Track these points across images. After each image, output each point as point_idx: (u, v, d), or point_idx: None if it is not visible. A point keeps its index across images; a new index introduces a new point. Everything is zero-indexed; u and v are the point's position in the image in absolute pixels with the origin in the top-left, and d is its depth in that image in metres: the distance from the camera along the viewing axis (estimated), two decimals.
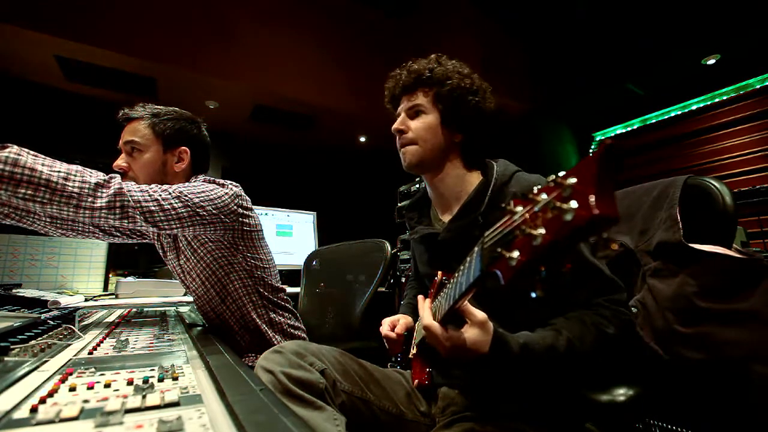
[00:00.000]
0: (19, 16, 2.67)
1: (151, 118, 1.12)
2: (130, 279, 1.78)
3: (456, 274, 0.56)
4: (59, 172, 0.79)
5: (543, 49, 4.44)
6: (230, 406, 0.35)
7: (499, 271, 0.38)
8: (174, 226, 0.94)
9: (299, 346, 0.77)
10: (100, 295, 1.65)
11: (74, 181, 0.80)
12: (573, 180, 0.31)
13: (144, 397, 0.36)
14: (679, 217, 0.80)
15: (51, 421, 0.32)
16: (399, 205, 3.39)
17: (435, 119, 0.87)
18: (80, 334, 0.72)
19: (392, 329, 0.93)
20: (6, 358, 0.51)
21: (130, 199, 0.85)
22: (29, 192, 0.76)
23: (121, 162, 1.10)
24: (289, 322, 1.26)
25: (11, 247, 1.70)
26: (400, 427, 0.81)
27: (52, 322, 0.80)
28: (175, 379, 0.44)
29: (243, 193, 1.14)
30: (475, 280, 0.46)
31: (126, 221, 0.86)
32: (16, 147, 0.78)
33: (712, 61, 3.67)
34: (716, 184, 0.81)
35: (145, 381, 0.42)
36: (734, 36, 3.35)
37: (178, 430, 0.30)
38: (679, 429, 0.77)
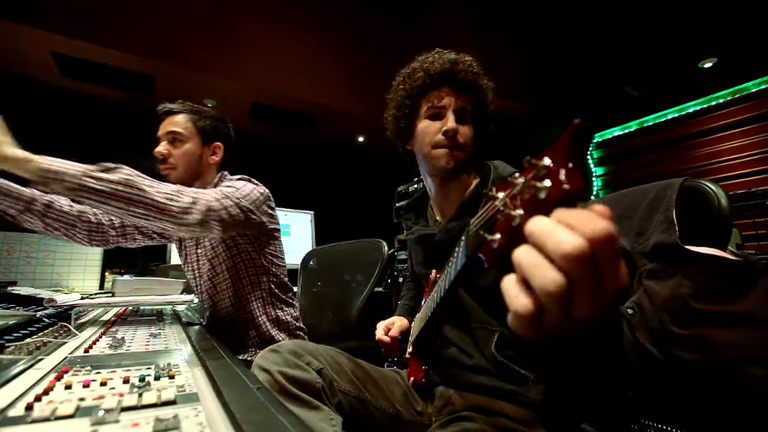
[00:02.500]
0: (15, 12, 2.65)
1: (192, 113, 1.22)
2: (126, 277, 1.77)
3: (446, 268, 0.56)
4: (164, 193, 0.89)
5: (540, 51, 4.46)
6: (227, 405, 0.35)
7: (483, 255, 0.39)
8: (235, 231, 1.05)
9: (296, 346, 0.77)
10: (96, 294, 1.64)
11: (175, 201, 0.90)
12: (547, 161, 0.32)
13: (140, 395, 0.36)
14: (675, 219, 0.81)
15: (46, 419, 0.31)
16: (397, 205, 3.39)
17: (474, 129, 0.86)
18: (76, 332, 0.71)
19: (386, 333, 0.93)
20: (1, 356, 0.51)
21: (212, 214, 0.96)
22: (140, 210, 0.85)
23: (162, 149, 1.16)
24: (295, 322, 1.30)
25: (6, 245, 1.69)
26: (396, 426, 0.82)
27: (47, 320, 0.79)
28: (172, 377, 0.44)
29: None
30: (462, 267, 0.47)
31: (206, 232, 0.97)
32: (127, 168, 0.87)
33: (708, 65, 3.69)
34: (712, 186, 0.82)
35: (142, 379, 0.42)
36: (731, 39, 3.37)
37: (174, 428, 0.30)
38: (674, 430, 0.77)
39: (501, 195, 0.37)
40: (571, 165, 0.30)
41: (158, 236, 1.31)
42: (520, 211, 0.33)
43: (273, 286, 1.25)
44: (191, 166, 1.19)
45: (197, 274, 1.26)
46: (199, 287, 1.26)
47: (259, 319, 1.19)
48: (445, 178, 0.88)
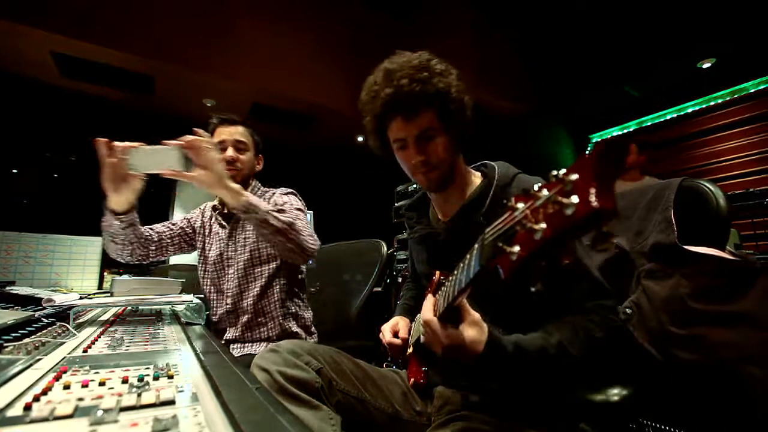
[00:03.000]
0: (15, 12, 2.65)
1: (248, 127, 1.39)
2: (125, 277, 1.76)
3: (455, 272, 0.56)
4: (308, 235, 1.17)
5: (540, 51, 4.46)
6: (226, 405, 0.35)
7: (499, 266, 0.39)
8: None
9: (295, 345, 0.77)
10: (95, 293, 1.64)
11: (311, 244, 1.17)
12: (574, 176, 0.31)
13: (139, 395, 0.36)
14: (673, 219, 0.81)
15: (45, 419, 0.31)
16: (396, 204, 3.39)
17: (446, 138, 0.79)
18: (75, 332, 0.71)
19: (394, 335, 0.92)
20: None
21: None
22: (291, 246, 1.12)
23: (232, 153, 1.32)
24: (310, 320, 1.41)
25: (5, 245, 1.68)
26: (395, 426, 0.82)
27: (46, 320, 0.79)
28: (171, 377, 0.44)
29: None
30: (475, 275, 0.46)
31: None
32: (289, 211, 1.17)
33: (707, 65, 3.70)
34: (710, 186, 0.82)
35: (141, 379, 0.42)
36: (730, 40, 3.38)
37: (173, 428, 0.30)
38: (672, 429, 0.77)
39: (521, 206, 0.36)
40: (601, 182, 0.29)
41: (187, 247, 1.43)
42: (543, 225, 0.33)
43: (296, 284, 1.38)
44: (249, 172, 1.37)
45: (229, 263, 1.33)
46: (224, 276, 1.34)
47: (280, 310, 1.29)
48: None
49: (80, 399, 0.36)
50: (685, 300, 0.74)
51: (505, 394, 0.75)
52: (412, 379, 0.87)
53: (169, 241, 1.37)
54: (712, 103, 3.87)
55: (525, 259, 0.35)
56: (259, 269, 1.30)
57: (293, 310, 1.34)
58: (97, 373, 0.45)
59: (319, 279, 1.77)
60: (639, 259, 0.86)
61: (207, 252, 1.38)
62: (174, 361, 0.52)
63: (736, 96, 3.72)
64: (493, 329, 0.63)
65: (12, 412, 0.33)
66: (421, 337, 0.73)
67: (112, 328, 0.79)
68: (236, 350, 1.26)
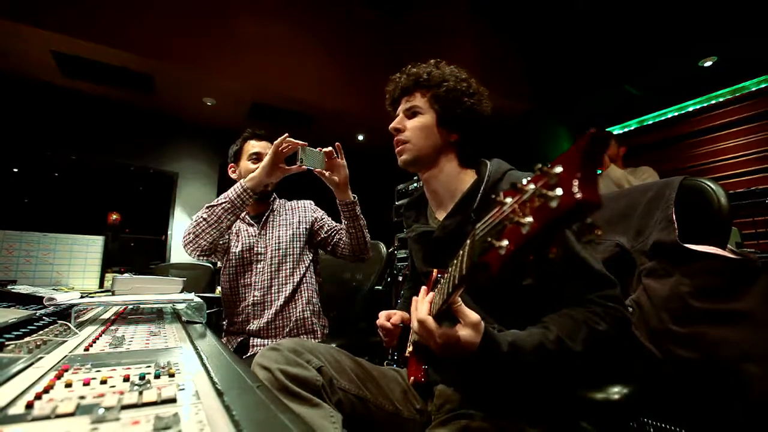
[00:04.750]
0: (16, 11, 2.65)
1: (270, 142, 1.52)
2: (126, 276, 1.77)
3: (449, 269, 0.57)
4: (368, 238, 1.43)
5: (540, 50, 4.45)
6: (227, 403, 0.35)
7: (489, 261, 0.39)
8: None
9: (296, 344, 0.78)
10: (96, 292, 1.64)
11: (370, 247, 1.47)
12: (559, 169, 0.31)
13: (140, 393, 0.36)
14: (674, 218, 0.81)
15: (47, 417, 0.31)
16: (396, 203, 3.40)
17: (431, 119, 0.88)
18: (76, 330, 0.71)
19: (387, 320, 0.93)
20: (1, 354, 0.51)
21: None
22: (364, 238, 1.41)
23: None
24: (326, 321, 1.50)
25: (6, 243, 1.68)
26: (396, 424, 0.82)
27: (47, 319, 0.79)
28: (172, 375, 0.44)
29: None
30: (467, 271, 0.47)
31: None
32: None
33: (708, 63, 3.69)
34: (711, 185, 0.82)
35: (142, 377, 0.42)
36: (731, 39, 3.37)
37: (174, 426, 0.30)
38: (673, 428, 0.77)
39: (509, 201, 0.37)
40: (584, 174, 0.29)
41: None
42: (529, 219, 0.33)
43: (318, 286, 1.50)
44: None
45: (257, 258, 1.42)
46: (252, 270, 1.42)
47: (307, 306, 1.40)
48: (421, 173, 0.93)
49: (82, 397, 0.36)
50: (685, 298, 0.74)
51: (504, 392, 0.75)
52: (412, 378, 0.87)
53: (224, 241, 1.46)
54: (713, 102, 3.86)
55: (514, 253, 0.35)
56: (292, 266, 1.42)
57: (316, 309, 1.45)
58: (98, 371, 0.45)
59: (320, 277, 1.77)
60: (640, 258, 0.86)
61: (232, 248, 1.47)
62: (175, 360, 0.52)
63: (737, 94, 3.71)
64: (491, 328, 0.63)
65: (14, 411, 0.33)
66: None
67: (113, 327, 0.79)
68: (257, 345, 1.32)
